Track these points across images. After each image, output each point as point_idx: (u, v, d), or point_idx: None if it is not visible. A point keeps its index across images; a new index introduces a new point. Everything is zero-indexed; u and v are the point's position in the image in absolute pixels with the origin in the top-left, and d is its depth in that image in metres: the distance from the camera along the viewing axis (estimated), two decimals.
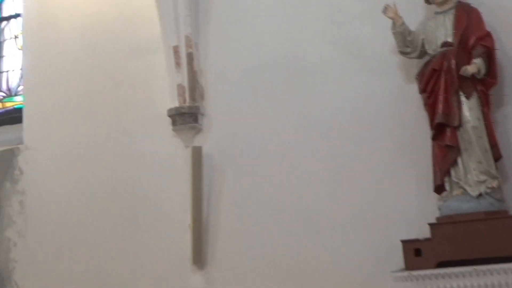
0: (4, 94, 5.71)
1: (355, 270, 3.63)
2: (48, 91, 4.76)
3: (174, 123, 4.16)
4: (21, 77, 5.62)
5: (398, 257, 3.43)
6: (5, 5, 5.87)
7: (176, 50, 4.17)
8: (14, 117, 5.56)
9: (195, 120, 4.12)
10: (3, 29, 5.82)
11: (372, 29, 3.81)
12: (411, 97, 3.65)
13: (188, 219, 4.11)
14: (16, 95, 5.65)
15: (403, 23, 3.41)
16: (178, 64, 4.16)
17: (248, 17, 4.15)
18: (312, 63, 3.96)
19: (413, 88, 3.62)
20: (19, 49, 5.69)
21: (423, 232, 3.40)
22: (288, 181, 3.93)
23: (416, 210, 3.59)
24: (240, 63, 4.14)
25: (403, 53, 3.49)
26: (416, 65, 3.63)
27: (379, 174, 3.72)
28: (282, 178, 3.95)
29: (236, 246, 4.01)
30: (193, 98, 4.13)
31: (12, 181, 4.77)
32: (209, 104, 4.18)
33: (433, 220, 3.36)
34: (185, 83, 4.15)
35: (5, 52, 5.78)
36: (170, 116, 4.16)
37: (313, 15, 3.97)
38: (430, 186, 3.45)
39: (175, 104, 4.15)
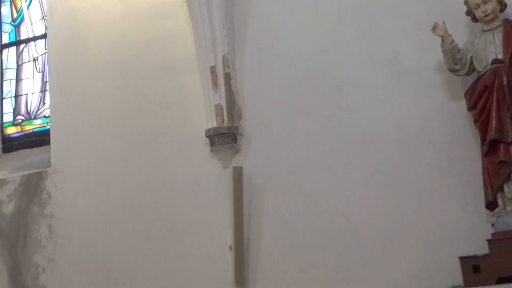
0: (23, 117, 5.64)
1: (410, 285, 3.60)
2: (76, 113, 4.71)
3: (212, 143, 4.13)
4: (41, 100, 5.57)
5: (448, 274, 3.43)
6: (22, 28, 5.82)
7: (213, 70, 4.16)
8: (33, 140, 5.50)
9: (234, 140, 4.10)
10: (21, 52, 5.77)
11: (413, 46, 3.84)
12: (455, 114, 3.67)
13: (228, 240, 4.07)
14: (35, 118, 5.59)
15: (452, 41, 3.44)
16: (215, 84, 4.15)
17: (284, 35, 4.16)
18: (351, 79, 3.97)
19: (457, 105, 3.64)
20: (38, 72, 5.65)
21: (474, 249, 3.40)
22: (330, 198, 3.92)
23: (464, 227, 3.59)
24: (277, 81, 4.14)
25: (452, 70, 3.51)
26: (460, 82, 3.65)
27: (424, 191, 3.72)
28: (324, 196, 3.93)
29: (278, 267, 3.97)
30: (231, 118, 4.12)
31: (40, 205, 4.69)
32: (246, 124, 4.16)
33: (482, 236, 3.36)
34: (223, 103, 4.12)
35: (24, 75, 5.74)
36: (208, 136, 4.13)
37: (350, 32, 3.99)
38: (479, 202, 3.45)
39: (213, 124, 4.12)
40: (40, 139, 5.47)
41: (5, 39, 5.83)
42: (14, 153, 5.53)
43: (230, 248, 4.02)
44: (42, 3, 5.69)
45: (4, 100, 5.73)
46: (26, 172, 4.82)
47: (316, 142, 3.98)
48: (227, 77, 4.15)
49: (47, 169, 4.72)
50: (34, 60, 5.67)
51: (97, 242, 4.48)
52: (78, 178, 4.61)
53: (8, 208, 4.80)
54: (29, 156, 5.33)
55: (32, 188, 4.73)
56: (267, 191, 4.06)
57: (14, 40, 5.82)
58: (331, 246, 3.88)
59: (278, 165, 4.05)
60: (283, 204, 4.01)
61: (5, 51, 5.81)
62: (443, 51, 3.47)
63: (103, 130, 4.57)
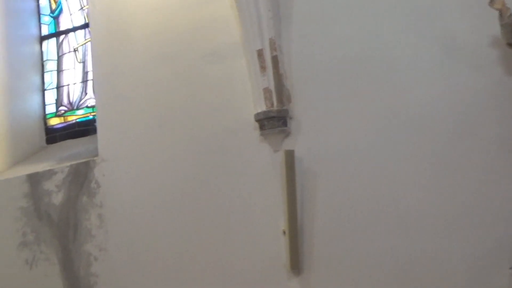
0: (65, 108, 5.66)
1: (469, 267, 3.54)
2: (121, 102, 4.69)
3: (262, 127, 4.09)
4: (83, 90, 5.58)
5: (509, 254, 3.36)
6: (62, 19, 5.83)
7: (260, 53, 4.10)
8: (76, 130, 5.53)
9: (284, 123, 4.05)
10: (61, 43, 5.78)
11: (466, 21, 3.73)
12: None
13: (280, 224, 4.03)
14: (78, 108, 5.61)
15: (511, 15, 3.34)
16: (263, 68, 4.09)
17: (330, 15, 4.07)
18: (401, 58, 3.88)
19: None
20: (78, 62, 5.66)
21: None
22: (384, 181, 3.85)
23: None
24: (325, 63, 4.06)
25: (511, 45, 3.41)
26: None
27: (483, 171, 3.63)
28: (378, 179, 3.87)
29: (333, 250, 3.93)
30: (280, 101, 4.07)
31: (89, 194, 4.70)
32: (296, 107, 4.11)
33: None
34: (272, 87, 4.07)
35: (65, 66, 5.75)
36: (257, 120, 4.09)
37: (399, 9, 3.89)
38: None
39: (262, 108, 4.08)
40: (84, 129, 5.52)
41: (45, 31, 5.85)
42: (58, 144, 5.58)
43: (284, 232, 3.98)
44: None
45: (46, 92, 5.76)
46: (74, 162, 4.82)
47: (368, 124, 3.91)
48: (275, 60, 4.09)
49: (95, 158, 4.73)
50: (75, 50, 5.68)
51: (147, 230, 4.48)
52: (126, 167, 4.61)
53: (58, 199, 4.83)
54: (74, 147, 5.36)
55: (80, 178, 4.74)
56: (319, 175, 4.00)
57: (53, 31, 5.83)
58: (386, 231, 3.82)
59: (330, 148, 3.99)
60: (335, 187, 3.96)
61: (45, 43, 5.85)
62: (501, 25, 3.38)
63: (150, 118, 4.55)
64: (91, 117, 5.54)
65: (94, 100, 5.46)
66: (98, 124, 4.78)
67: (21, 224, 4.94)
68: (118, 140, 4.66)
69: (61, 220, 4.77)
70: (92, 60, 4.89)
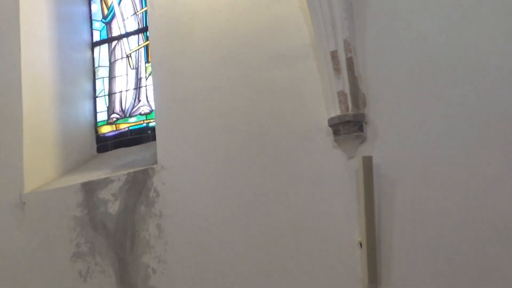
0: (117, 116, 5.50)
1: None
2: (182, 107, 4.50)
3: (336, 133, 3.87)
4: (136, 97, 5.43)
5: None
6: (114, 25, 5.70)
7: (334, 55, 3.90)
8: (129, 139, 5.37)
9: (360, 128, 3.83)
10: (113, 49, 5.64)
11: None
12: None
13: (356, 235, 3.80)
14: (130, 116, 5.45)
15: None
16: (337, 70, 3.88)
17: (407, 14, 3.85)
18: (488, 58, 3.63)
19: None
20: (131, 68, 5.51)
21: None
22: (466, 188, 3.60)
23: None
24: (403, 65, 3.84)
25: None
26: None
27: None
28: (460, 186, 3.61)
29: (412, 263, 3.68)
30: (356, 105, 3.85)
31: (147, 204, 4.50)
32: (371, 111, 3.88)
33: None
34: (347, 90, 3.86)
35: (117, 72, 5.61)
36: (331, 125, 3.87)
37: (489, 7, 3.64)
38: None
39: (337, 112, 3.86)
40: (136, 137, 5.35)
41: (96, 37, 5.72)
42: (110, 152, 5.42)
43: (360, 244, 3.74)
44: None
45: (97, 99, 5.61)
46: (131, 170, 4.63)
47: (451, 130, 3.67)
48: (350, 62, 3.88)
49: (154, 166, 4.53)
50: (127, 56, 5.53)
51: (210, 241, 4.27)
52: (187, 175, 4.41)
53: (114, 208, 4.64)
54: (127, 155, 5.19)
55: (138, 186, 4.55)
56: (398, 183, 3.76)
57: (105, 37, 5.70)
58: (470, 243, 3.55)
59: (410, 155, 3.75)
60: (416, 195, 3.71)
61: (96, 49, 5.71)
62: None
63: (213, 124, 4.36)
64: (144, 124, 5.38)
65: (148, 107, 5.31)
66: (157, 131, 4.59)
67: (74, 234, 4.76)
68: (178, 147, 4.47)
69: (118, 230, 4.57)
70: (152, 64, 4.72)
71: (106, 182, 4.69)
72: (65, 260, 4.75)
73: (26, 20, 5.29)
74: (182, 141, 4.46)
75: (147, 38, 5.49)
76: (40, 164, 5.14)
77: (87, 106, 5.57)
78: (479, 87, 3.65)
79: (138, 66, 5.50)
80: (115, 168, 4.91)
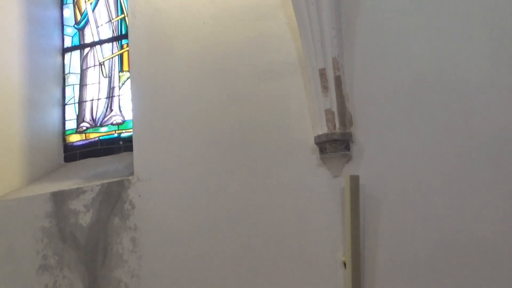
0: (87, 125, 5.35)
1: None
2: (161, 118, 4.41)
3: (322, 150, 3.85)
4: (108, 106, 5.29)
5: None
6: (87, 31, 5.56)
7: (322, 73, 3.89)
8: (99, 149, 5.23)
9: (347, 147, 3.83)
10: (85, 56, 5.50)
11: None
12: None
13: (339, 255, 3.78)
14: (101, 125, 5.31)
15: None
16: (325, 88, 3.88)
17: (395, 34, 3.87)
18: (477, 81, 3.65)
19: None
20: (104, 77, 5.38)
21: None
22: (453, 212, 3.63)
23: None
24: (390, 84, 3.86)
25: None
26: None
27: None
28: (446, 209, 3.64)
29: (397, 283, 3.67)
30: (343, 124, 3.84)
31: (122, 216, 4.38)
32: (358, 130, 3.88)
33: None
34: (334, 109, 3.85)
35: (88, 80, 5.46)
36: (318, 143, 3.85)
37: (476, 27, 3.68)
38: None
39: (324, 130, 3.84)
40: (107, 147, 5.21)
41: (68, 43, 5.56)
42: (78, 162, 5.26)
43: (344, 264, 3.72)
44: (108, 5, 5.45)
45: (66, 107, 5.45)
46: (105, 181, 4.49)
47: (438, 151, 3.70)
48: (338, 80, 3.88)
49: (130, 177, 4.41)
50: (100, 64, 5.40)
51: (187, 257, 4.18)
52: (165, 187, 4.31)
53: (85, 219, 4.48)
54: (96, 166, 5.04)
55: (112, 198, 4.42)
56: (382, 203, 3.77)
57: (77, 43, 5.55)
58: (455, 266, 3.58)
59: (395, 175, 3.76)
60: (402, 216, 3.72)
61: (67, 55, 5.56)
62: None
63: (193, 136, 4.28)
64: (115, 135, 5.24)
65: (121, 117, 5.19)
66: (134, 141, 4.48)
67: (41, 245, 4.58)
68: (156, 158, 4.37)
69: (89, 243, 4.42)
70: (131, 73, 4.62)
71: (78, 192, 4.54)
72: (30, 272, 4.57)
73: None
74: (161, 152, 4.37)
75: (121, 47, 5.38)
76: (5, 171, 4.94)
77: (55, 113, 5.40)
78: (466, 107, 3.68)
79: (111, 75, 5.37)
80: (86, 179, 4.76)
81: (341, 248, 3.78)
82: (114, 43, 5.41)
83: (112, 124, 5.26)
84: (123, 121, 5.20)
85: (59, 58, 5.52)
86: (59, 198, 4.58)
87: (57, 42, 5.53)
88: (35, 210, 4.63)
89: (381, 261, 3.72)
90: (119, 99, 5.29)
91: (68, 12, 5.62)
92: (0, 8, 5.16)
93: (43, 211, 4.61)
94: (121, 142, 5.14)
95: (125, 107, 5.24)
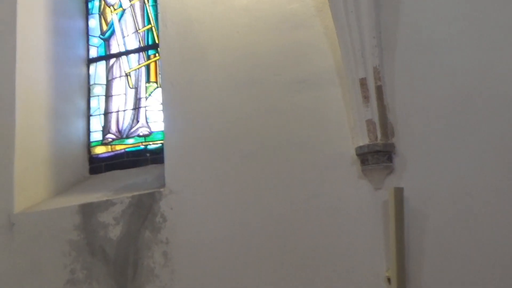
0: (113, 136, 5.26)
1: None
2: (194, 129, 4.31)
3: (364, 162, 3.74)
4: (134, 117, 5.20)
5: None
6: (113, 42, 5.48)
7: (363, 83, 3.79)
8: (125, 161, 5.13)
9: (389, 159, 3.72)
10: (111, 67, 5.42)
11: None
12: None
13: (382, 270, 3.66)
14: (128, 137, 5.21)
15: None
16: (366, 98, 3.78)
17: (437, 44, 3.79)
18: None
19: None
20: (130, 88, 5.30)
21: None
22: (500, 225, 3.52)
23: None
24: (432, 95, 3.76)
25: None
26: None
27: None
28: (494, 222, 3.53)
29: None
30: (385, 135, 3.74)
31: (153, 229, 4.26)
32: (400, 141, 3.78)
33: None
34: (376, 119, 3.75)
35: (114, 91, 5.38)
36: (359, 154, 3.74)
37: None
38: None
39: (365, 141, 3.74)
40: (133, 159, 5.11)
41: (93, 53, 5.49)
42: (104, 174, 5.15)
43: (389, 279, 3.60)
44: (135, 15, 5.38)
45: (92, 118, 5.35)
46: (136, 193, 4.39)
47: (483, 162, 3.60)
48: (379, 90, 3.79)
49: (161, 189, 4.30)
50: (127, 75, 5.31)
51: (220, 272, 4.06)
52: (197, 200, 4.20)
53: (115, 232, 4.37)
54: (123, 178, 4.94)
55: (143, 210, 4.31)
56: (427, 216, 3.66)
57: (103, 54, 5.47)
58: (504, 279, 3.45)
59: (440, 187, 3.66)
60: (446, 231, 3.61)
61: (92, 66, 5.47)
62: None
63: (227, 148, 4.17)
64: (142, 147, 5.14)
65: (147, 129, 5.10)
66: (165, 153, 4.38)
67: (69, 259, 4.46)
68: (188, 170, 4.27)
69: (119, 257, 4.30)
70: (162, 83, 4.52)
71: (107, 204, 4.43)
72: (57, 287, 4.42)
73: (23, 32, 5.02)
74: (193, 164, 4.26)
75: (148, 57, 5.30)
76: (31, 183, 4.84)
77: (80, 124, 5.30)
78: (511, 120, 3.59)
79: (137, 86, 5.28)
80: (114, 191, 4.65)
81: (384, 263, 3.67)
82: (141, 53, 5.33)
83: (138, 135, 5.17)
84: (150, 133, 5.11)
85: (85, 69, 5.44)
86: (87, 211, 4.47)
87: (83, 52, 5.45)
88: (63, 222, 4.52)
89: (426, 277, 3.60)
90: (145, 110, 5.20)
91: (94, 22, 5.54)
92: (27, 19, 5.08)
93: (71, 223, 4.49)
94: (148, 154, 5.04)
95: (152, 118, 5.14)
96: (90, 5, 5.55)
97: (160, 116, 5.01)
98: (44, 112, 5.09)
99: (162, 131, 4.92)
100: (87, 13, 5.55)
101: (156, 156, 4.96)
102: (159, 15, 4.60)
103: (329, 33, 4.03)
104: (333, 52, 4.01)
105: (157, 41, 5.21)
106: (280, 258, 3.91)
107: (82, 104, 5.35)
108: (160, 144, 4.96)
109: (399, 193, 3.61)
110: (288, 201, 3.96)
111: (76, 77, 5.37)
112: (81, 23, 5.50)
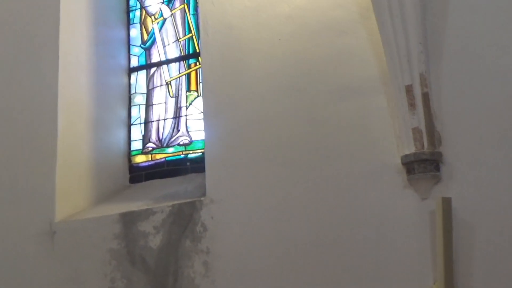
0: (153, 145, 5.24)
1: None
2: (235, 137, 4.27)
3: (410, 171, 3.65)
4: (174, 126, 5.18)
5: None
6: (154, 51, 5.49)
7: (409, 90, 3.70)
8: (165, 170, 5.11)
9: (437, 168, 3.62)
10: (152, 76, 5.42)
11: None
12: None
13: (429, 280, 3.55)
14: (168, 146, 5.19)
15: None
16: (412, 105, 3.68)
17: (485, 49, 3.70)
18: None
19: None
20: (171, 96, 5.28)
21: None
22: None
23: None
24: (480, 103, 3.66)
25: None
26: None
27: None
28: None
29: None
30: (432, 143, 3.64)
31: (193, 239, 4.21)
32: (447, 150, 3.67)
33: None
34: (422, 127, 3.65)
35: (155, 100, 5.37)
36: (405, 163, 3.64)
37: None
38: None
39: (411, 150, 3.64)
40: (173, 168, 5.08)
41: (134, 63, 5.50)
42: (144, 183, 5.13)
43: None
44: (176, 24, 5.38)
45: (132, 127, 5.35)
46: (176, 202, 4.35)
47: None
48: (426, 97, 3.70)
49: (202, 198, 4.25)
50: (167, 84, 5.30)
51: (262, 283, 3.99)
52: (239, 210, 4.14)
53: (155, 241, 4.33)
54: (163, 187, 4.90)
55: (184, 219, 4.27)
56: (475, 228, 3.54)
57: (144, 63, 5.48)
58: None
59: (488, 198, 3.54)
60: (495, 243, 3.49)
61: (133, 75, 5.47)
62: None
63: (269, 157, 4.11)
64: (182, 156, 5.11)
65: (188, 138, 5.07)
66: (206, 162, 4.34)
67: (109, 268, 4.44)
68: (229, 179, 4.22)
69: (159, 266, 4.26)
70: (203, 92, 4.50)
71: (147, 213, 4.40)
72: None
73: (66, 42, 5.06)
74: (235, 173, 4.21)
75: (189, 66, 5.28)
76: (72, 191, 4.84)
77: (121, 133, 5.29)
78: None
79: (178, 95, 5.26)
80: (154, 200, 4.63)
81: (430, 276, 3.56)
82: (181, 62, 5.32)
83: (179, 144, 5.14)
84: (191, 142, 5.07)
85: (125, 78, 5.44)
86: (128, 219, 4.45)
87: (124, 62, 5.46)
88: (103, 231, 4.50)
89: (475, 286, 3.47)
90: (186, 119, 5.17)
91: (135, 32, 5.56)
92: (69, 28, 5.12)
93: (111, 232, 4.48)
94: (188, 163, 5.00)
95: (192, 127, 5.11)
96: (131, 15, 5.56)
97: (200, 125, 4.99)
98: (86, 121, 5.10)
99: (202, 140, 4.90)
100: (128, 23, 5.57)
101: (196, 165, 4.92)
102: (200, 24, 4.58)
103: (373, 40, 3.96)
104: (377, 58, 3.93)
105: (197, 50, 5.19)
106: (323, 270, 3.83)
107: (123, 113, 5.35)
108: (200, 153, 4.92)
109: (447, 203, 3.50)
110: (331, 211, 3.88)
111: (117, 86, 5.38)
112: (122, 33, 5.51)
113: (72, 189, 4.85)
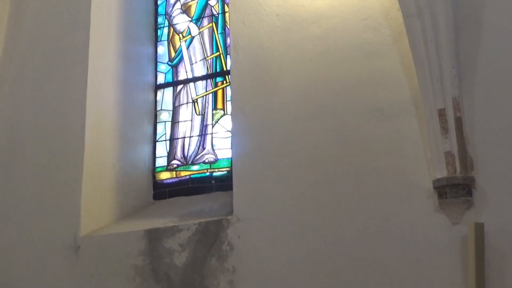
0: (178, 163, 5.25)
1: None
2: (263, 157, 4.26)
3: (442, 195, 3.62)
4: (200, 144, 5.19)
5: None
6: (180, 68, 5.52)
7: (442, 113, 3.69)
8: (190, 187, 5.11)
9: (469, 193, 3.59)
10: (178, 93, 5.44)
11: None
12: None
13: None
14: (193, 163, 5.19)
15: None
16: (444, 129, 3.67)
17: None
18: None
19: None
20: (197, 114, 5.30)
21: None
22: None
23: None
24: None
25: None
26: None
27: None
28: None
29: None
30: (464, 168, 3.61)
31: (219, 257, 4.20)
32: (479, 175, 3.65)
33: None
34: (455, 151, 3.63)
35: (181, 117, 5.38)
36: (437, 187, 3.62)
37: None
38: None
39: (443, 174, 3.62)
40: (198, 186, 5.08)
41: (161, 79, 5.53)
42: (168, 200, 5.13)
43: None
44: (203, 42, 5.41)
45: (157, 144, 5.36)
46: (203, 220, 4.34)
47: None
48: (458, 121, 3.68)
49: (229, 217, 4.24)
50: (193, 102, 5.32)
51: None
52: (266, 229, 4.12)
53: (181, 259, 4.32)
54: (188, 204, 4.90)
55: (210, 238, 4.26)
56: (509, 254, 3.49)
57: (170, 80, 5.50)
58: None
59: None
60: None
61: (160, 92, 5.50)
62: None
63: (298, 178, 4.11)
64: (207, 174, 5.11)
65: (213, 156, 5.07)
66: (234, 180, 4.33)
67: (133, 285, 4.43)
68: (257, 199, 4.21)
69: (184, 284, 4.26)
70: (232, 109, 4.50)
71: (173, 230, 4.40)
72: None
73: (95, 57, 5.11)
74: (262, 192, 4.21)
75: (216, 84, 5.30)
76: (98, 206, 4.86)
77: (146, 150, 5.31)
78: None
79: (204, 113, 5.27)
80: (179, 217, 4.62)
81: None
82: (208, 80, 5.34)
83: (204, 162, 5.14)
84: (216, 160, 5.07)
85: (152, 95, 5.47)
86: (153, 236, 4.44)
87: (150, 78, 5.49)
88: (128, 247, 4.50)
89: None
90: (211, 137, 5.17)
91: (162, 49, 5.59)
92: (98, 45, 5.16)
93: (136, 248, 4.47)
94: (213, 181, 5.00)
95: (218, 145, 5.12)
96: (159, 32, 5.61)
97: (226, 143, 5.00)
98: (112, 136, 5.13)
99: (227, 158, 4.91)
100: (156, 40, 5.61)
101: (220, 184, 4.93)
102: (231, 42, 4.60)
103: (405, 62, 3.96)
104: (409, 81, 3.93)
105: (224, 69, 5.21)
106: None
107: (149, 129, 5.37)
108: (225, 172, 4.93)
109: (479, 228, 3.48)
110: (360, 233, 3.86)
111: (144, 102, 5.40)
112: (150, 50, 5.55)
113: (97, 204, 4.86)
